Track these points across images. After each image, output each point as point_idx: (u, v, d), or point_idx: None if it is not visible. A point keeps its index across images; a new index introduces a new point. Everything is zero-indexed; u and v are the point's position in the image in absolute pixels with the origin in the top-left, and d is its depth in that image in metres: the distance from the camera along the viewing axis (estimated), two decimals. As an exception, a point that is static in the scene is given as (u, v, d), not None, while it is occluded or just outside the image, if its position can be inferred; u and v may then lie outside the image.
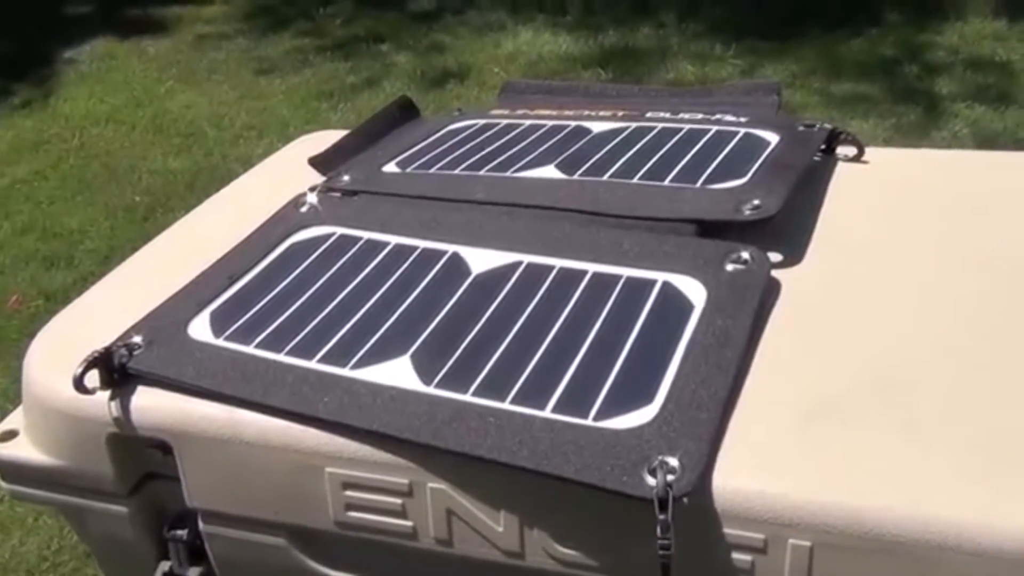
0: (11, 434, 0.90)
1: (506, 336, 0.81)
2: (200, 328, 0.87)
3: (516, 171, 1.06)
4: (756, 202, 0.92)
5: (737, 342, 0.78)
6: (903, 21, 3.80)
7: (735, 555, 0.68)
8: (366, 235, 0.98)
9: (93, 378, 0.82)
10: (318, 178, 1.11)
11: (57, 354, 0.87)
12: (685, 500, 0.66)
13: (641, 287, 0.85)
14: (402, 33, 4.20)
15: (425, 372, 0.78)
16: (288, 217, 1.03)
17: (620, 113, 1.21)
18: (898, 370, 0.76)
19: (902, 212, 0.99)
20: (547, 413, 0.73)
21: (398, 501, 0.76)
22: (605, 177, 1.02)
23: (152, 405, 0.82)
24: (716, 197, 0.96)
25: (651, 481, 0.66)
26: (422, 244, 0.95)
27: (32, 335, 0.94)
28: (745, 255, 0.86)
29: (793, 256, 0.91)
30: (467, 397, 0.75)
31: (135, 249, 1.07)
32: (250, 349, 0.84)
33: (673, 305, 0.83)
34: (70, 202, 3.12)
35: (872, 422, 0.71)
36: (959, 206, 0.99)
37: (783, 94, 1.27)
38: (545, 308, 0.84)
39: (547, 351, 0.79)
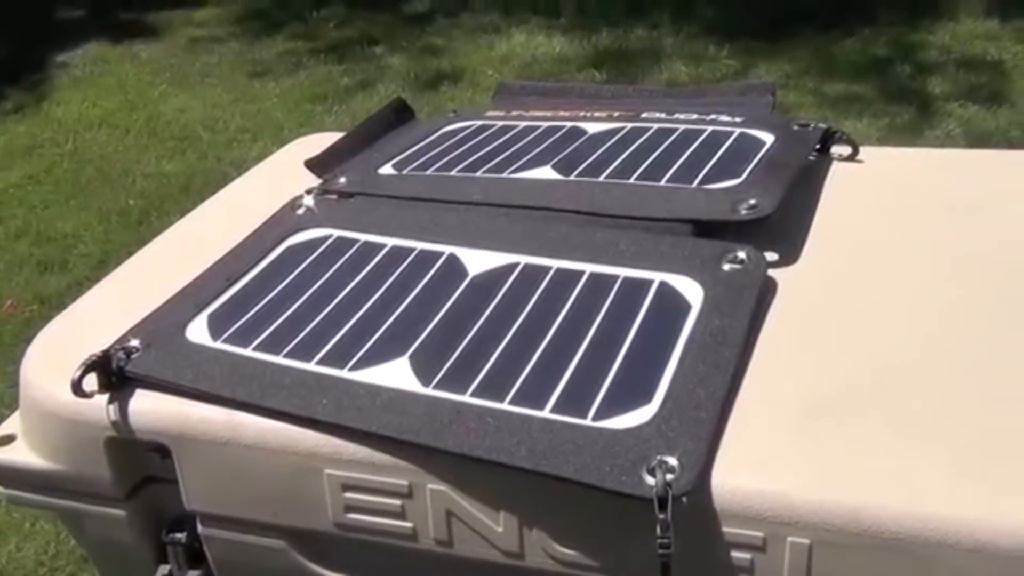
0: (8, 439, 0.89)
1: (504, 337, 0.81)
2: (198, 331, 0.87)
3: (512, 172, 1.06)
4: (752, 202, 0.93)
5: (734, 341, 0.78)
6: (896, 21, 3.81)
7: (734, 553, 0.68)
8: (363, 237, 0.98)
9: (91, 382, 0.81)
10: (314, 180, 1.11)
11: (54, 358, 0.87)
12: (684, 499, 0.66)
13: (638, 287, 0.85)
14: (396, 35, 4.20)
15: (423, 373, 0.78)
16: (285, 219, 1.03)
17: (615, 114, 1.21)
18: (895, 368, 0.76)
19: (897, 211, 1.00)
20: (546, 413, 0.73)
21: (397, 502, 0.76)
22: (601, 178, 1.02)
23: (150, 408, 0.82)
24: (712, 197, 0.96)
25: (650, 480, 0.66)
26: (419, 245, 0.95)
27: (27, 340, 0.94)
28: (741, 255, 0.87)
29: (789, 255, 0.92)
30: (466, 398, 0.75)
31: (130, 253, 1.07)
32: (248, 351, 0.84)
33: (670, 305, 0.83)
34: (64, 206, 3.11)
35: (870, 420, 0.71)
36: (954, 205, 1.00)
37: (777, 94, 1.28)
38: (543, 309, 0.84)
39: (545, 351, 0.79)
